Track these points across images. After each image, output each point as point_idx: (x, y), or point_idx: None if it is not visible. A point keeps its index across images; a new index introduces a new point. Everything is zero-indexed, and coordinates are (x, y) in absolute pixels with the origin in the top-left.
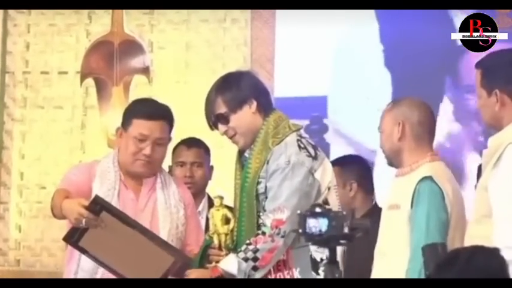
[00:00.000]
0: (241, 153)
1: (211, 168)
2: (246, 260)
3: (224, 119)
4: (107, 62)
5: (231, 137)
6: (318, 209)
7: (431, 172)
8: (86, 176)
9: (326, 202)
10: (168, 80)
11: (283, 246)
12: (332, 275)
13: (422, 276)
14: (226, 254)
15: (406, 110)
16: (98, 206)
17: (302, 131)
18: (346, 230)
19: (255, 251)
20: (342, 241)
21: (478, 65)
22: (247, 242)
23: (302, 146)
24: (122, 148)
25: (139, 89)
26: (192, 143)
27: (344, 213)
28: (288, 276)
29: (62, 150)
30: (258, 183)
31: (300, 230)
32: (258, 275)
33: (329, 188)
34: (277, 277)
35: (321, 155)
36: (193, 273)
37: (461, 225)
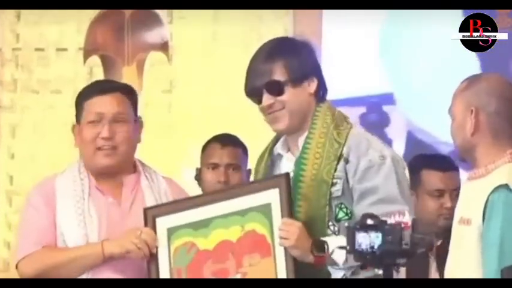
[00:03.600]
0: (275, 142)
1: (249, 172)
2: None
3: (277, 88)
4: (116, 36)
5: (272, 112)
6: (369, 221)
7: (508, 178)
8: (49, 212)
9: None
10: (191, 58)
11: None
12: None
13: None
14: None
15: (482, 93)
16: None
17: None
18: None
19: None
20: (399, 260)
21: None
22: None
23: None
24: (81, 145)
25: (156, 68)
26: (227, 140)
27: (402, 226)
28: None
29: (61, 146)
30: (333, 184)
31: (348, 247)
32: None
33: None
34: None
35: None
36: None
37: None
